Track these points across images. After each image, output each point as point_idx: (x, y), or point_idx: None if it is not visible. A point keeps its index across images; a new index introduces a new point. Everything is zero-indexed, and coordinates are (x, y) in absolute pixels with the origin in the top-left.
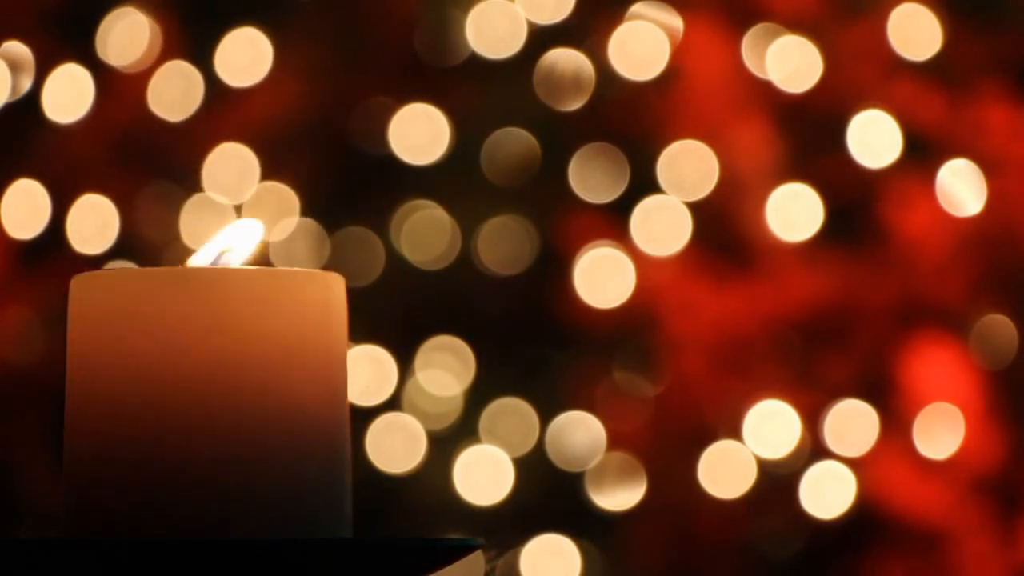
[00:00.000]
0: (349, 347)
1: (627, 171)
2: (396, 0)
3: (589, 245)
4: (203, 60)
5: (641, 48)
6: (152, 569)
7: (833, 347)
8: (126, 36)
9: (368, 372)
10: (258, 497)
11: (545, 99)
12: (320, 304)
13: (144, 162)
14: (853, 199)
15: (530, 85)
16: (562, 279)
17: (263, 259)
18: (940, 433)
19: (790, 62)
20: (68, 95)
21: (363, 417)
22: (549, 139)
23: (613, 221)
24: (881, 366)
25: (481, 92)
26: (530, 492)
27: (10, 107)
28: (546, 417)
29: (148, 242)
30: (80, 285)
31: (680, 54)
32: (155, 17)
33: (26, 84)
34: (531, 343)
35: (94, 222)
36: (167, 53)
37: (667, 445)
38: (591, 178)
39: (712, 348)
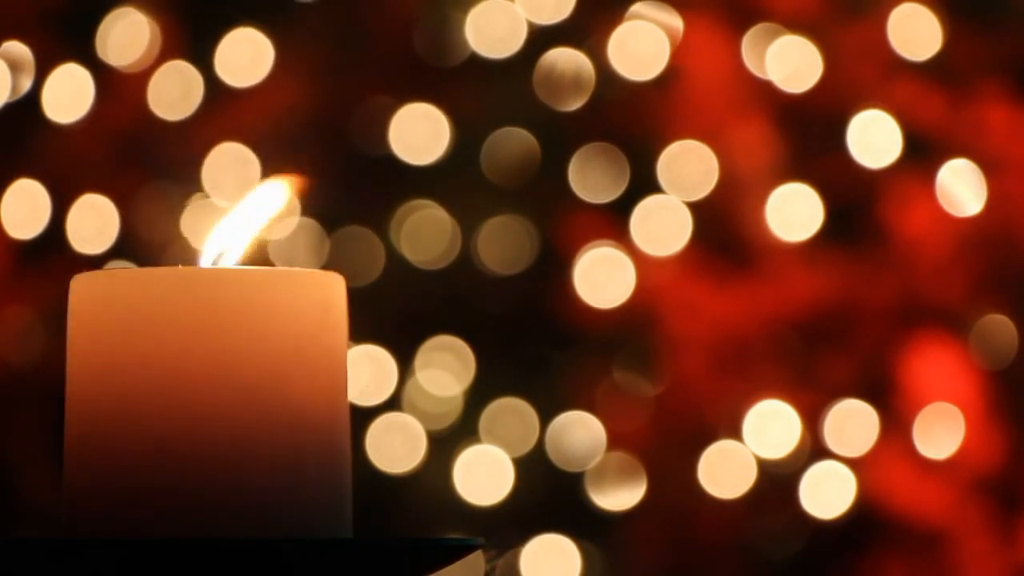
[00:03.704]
0: (349, 347)
1: (627, 171)
2: (396, 0)
3: (589, 245)
4: (203, 60)
5: (641, 48)
6: (152, 569)
7: (833, 347)
8: (126, 36)
9: (368, 372)
10: (258, 497)
11: (545, 99)
12: (320, 304)
13: (144, 162)
14: (853, 199)
15: (530, 85)
16: (562, 279)
17: (263, 259)
18: (940, 433)
19: (790, 62)
20: (68, 95)
21: (363, 417)
22: (549, 139)
23: (613, 221)
24: (881, 366)
25: (481, 92)
26: (530, 492)
27: (10, 107)
28: (546, 417)
29: (148, 242)
30: (80, 285)
31: (680, 54)
32: (155, 17)
33: (26, 84)
34: (531, 343)
35: (94, 222)
36: (167, 53)
37: (667, 445)
38: (591, 178)
39: (712, 348)
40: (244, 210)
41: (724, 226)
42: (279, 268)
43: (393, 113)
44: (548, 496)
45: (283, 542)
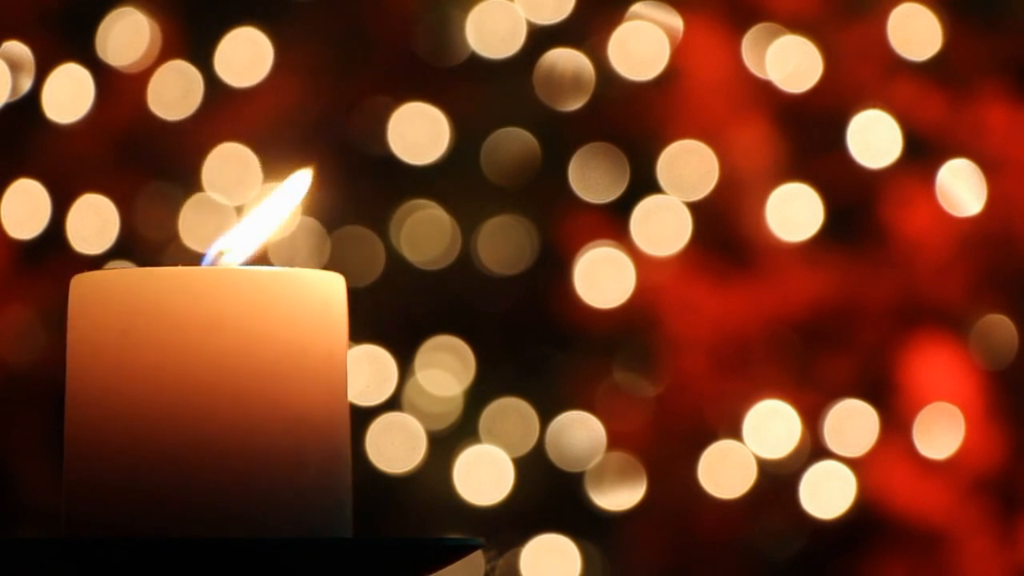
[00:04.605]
0: (349, 347)
1: (627, 171)
2: (396, 0)
3: (589, 245)
4: (203, 60)
5: (641, 48)
6: (152, 569)
7: (833, 347)
8: (126, 36)
9: (368, 372)
10: (258, 497)
11: (545, 99)
12: (320, 304)
13: (144, 162)
14: (853, 199)
15: (530, 85)
16: (562, 279)
17: (263, 259)
18: (940, 433)
19: (790, 62)
20: (68, 95)
21: (363, 417)
22: (549, 139)
23: (613, 221)
24: (881, 366)
25: (481, 92)
26: (530, 492)
27: (10, 107)
28: (546, 417)
29: (148, 242)
30: (80, 285)
31: (680, 54)
32: (155, 17)
33: (26, 84)
34: (531, 343)
35: (94, 222)
36: (167, 53)
37: (667, 445)
38: (591, 178)
39: (712, 348)
40: (263, 211)
41: (724, 226)
42: (279, 268)
43: (393, 113)
44: (548, 496)
45: (283, 542)
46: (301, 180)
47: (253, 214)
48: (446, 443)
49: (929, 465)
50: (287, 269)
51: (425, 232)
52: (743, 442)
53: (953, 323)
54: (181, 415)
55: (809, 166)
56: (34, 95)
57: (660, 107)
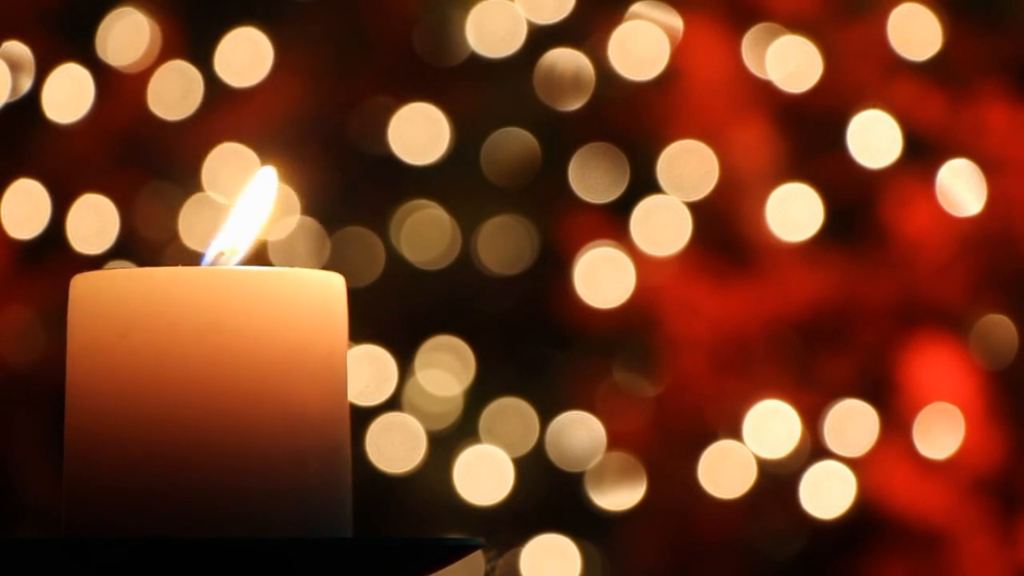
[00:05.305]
0: (349, 347)
1: (627, 171)
2: (396, 0)
3: (589, 245)
4: (203, 60)
5: (641, 48)
6: (152, 569)
7: (833, 347)
8: (126, 36)
9: (368, 372)
10: (258, 497)
11: (545, 99)
12: (320, 304)
13: (144, 162)
14: (853, 199)
15: (530, 85)
16: (562, 279)
17: (263, 259)
18: (940, 433)
19: (790, 62)
20: (68, 95)
21: (363, 417)
22: (549, 139)
23: (613, 221)
24: (881, 366)
25: (481, 92)
26: (530, 492)
27: (10, 107)
28: (546, 417)
29: (148, 242)
30: (80, 285)
31: (680, 54)
32: (155, 17)
33: (26, 84)
34: (531, 343)
35: (94, 222)
36: (167, 53)
37: (667, 445)
38: (591, 178)
39: (712, 348)
40: (242, 208)
41: (724, 226)
42: (279, 268)
43: (393, 113)
44: (548, 496)
45: (283, 542)
46: (266, 178)
47: (232, 217)
48: (446, 443)
49: (929, 465)
50: (287, 269)
51: (425, 232)
52: (743, 442)
53: (953, 323)
54: (181, 415)
55: (809, 166)
56: (34, 95)
57: (660, 107)
